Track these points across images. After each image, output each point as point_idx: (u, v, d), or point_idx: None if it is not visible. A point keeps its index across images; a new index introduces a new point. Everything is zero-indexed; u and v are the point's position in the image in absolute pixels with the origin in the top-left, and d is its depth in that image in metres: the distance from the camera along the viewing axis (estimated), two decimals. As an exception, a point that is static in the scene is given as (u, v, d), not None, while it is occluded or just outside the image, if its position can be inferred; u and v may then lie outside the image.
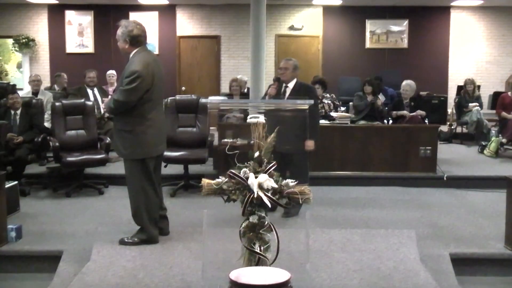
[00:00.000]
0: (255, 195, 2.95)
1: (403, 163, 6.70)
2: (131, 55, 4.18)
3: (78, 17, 12.08)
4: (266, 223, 3.03)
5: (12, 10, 12.09)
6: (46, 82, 9.73)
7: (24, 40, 11.83)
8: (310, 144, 5.07)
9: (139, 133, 4.14)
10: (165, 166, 5.97)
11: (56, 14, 12.07)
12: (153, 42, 11.76)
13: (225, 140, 5.92)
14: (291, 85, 5.21)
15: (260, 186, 2.97)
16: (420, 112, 7.27)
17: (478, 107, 9.03)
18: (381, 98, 7.56)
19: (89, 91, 7.93)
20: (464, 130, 9.27)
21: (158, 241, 4.30)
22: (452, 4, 11.92)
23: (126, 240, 4.28)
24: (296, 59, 5.39)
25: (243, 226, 3.05)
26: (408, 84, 7.64)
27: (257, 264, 3.00)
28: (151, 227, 4.28)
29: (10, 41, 12.07)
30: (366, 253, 4.15)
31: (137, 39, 4.15)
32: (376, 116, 7.29)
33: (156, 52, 11.77)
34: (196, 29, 12.22)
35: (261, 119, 6.71)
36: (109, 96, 4.58)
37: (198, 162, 6.21)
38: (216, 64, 12.28)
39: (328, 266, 3.92)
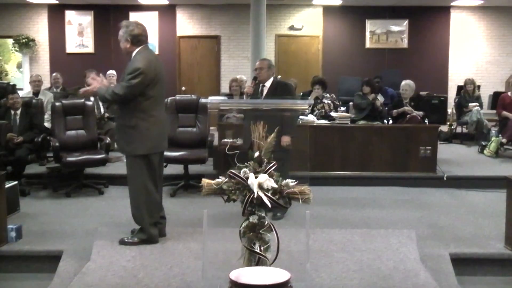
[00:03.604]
0: (255, 195, 2.95)
1: (403, 163, 6.70)
2: (133, 54, 4.21)
3: (78, 17, 12.09)
4: (266, 223, 3.03)
5: (12, 10, 12.09)
6: (46, 83, 9.73)
7: (24, 40, 11.83)
8: (286, 140, 5.03)
9: (143, 129, 4.16)
10: (165, 166, 5.96)
11: (56, 14, 12.07)
12: (153, 42, 11.76)
13: (225, 140, 5.93)
14: (268, 84, 5.27)
15: (260, 186, 2.97)
16: (418, 113, 7.28)
17: (478, 107, 9.02)
18: (380, 98, 7.56)
19: (89, 91, 7.91)
20: (464, 130, 9.26)
21: (158, 241, 4.31)
22: (452, 4, 11.92)
23: (126, 240, 4.28)
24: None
25: (243, 226, 3.05)
26: (407, 84, 7.64)
27: (257, 264, 3.00)
28: (151, 227, 4.28)
29: (10, 41, 12.08)
30: (366, 253, 4.15)
31: (138, 38, 4.19)
32: (376, 116, 7.29)
33: (156, 52, 11.75)
34: (196, 29, 12.22)
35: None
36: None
37: (198, 162, 6.21)
38: (216, 64, 12.28)
39: (328, 266, 3.92)
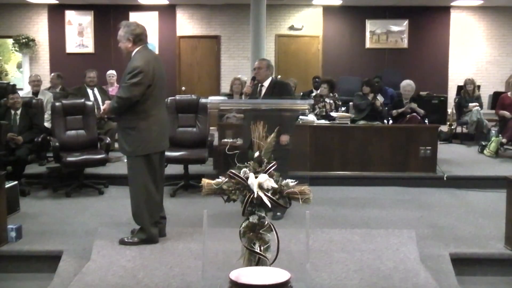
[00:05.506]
0: (255, 195, 2.95)
1: (403, 163, 6.70)
2: (133, 54, 4.24)
3: (78, 17, 12.09)
4: (266, 223, 3.03)
5: (12, 10, 12.09)
6: (46, 82, 9.74)
7: (24, 40, 11.83)
8: (284, 139, 5.01)
9: (143, 130, 4.18)
10: (165, 166, 5.97)
11: (56, 14, 12.07)
12: (153, 42, 11.75)
13: (225, 140, 5.92)
14: (266, 83, 5.29)
15: (260, 186, 2.97)
16: (418, 110, 7.29)
17: (478, 107, 9.02)
18: (380, 98, 7.56)
19: (89, 91, 7.93)
20: (464, 130, 9.26)
21: (158, 241, 4.31)
22: (452, 4, 11.92)
23: (126, 240, 4.29)
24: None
25: (243, 226, 3.05)
26: (408, 84, 7.64)
27: (257, 264, 3.00)
28: (151, 227, 4.29)
29: (10, 41, 12.08)
30: (366, 253, 4.15)
31: (140, 37, 4.24)
32: (376, 116, 7.29)
33: (156, 52, 11.76)
34: (196, 29, 12.22)
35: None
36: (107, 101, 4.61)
37: (198, 162, 6.21)
38: (216, 64, 12.28)
39: (328, 266, 3.92)
